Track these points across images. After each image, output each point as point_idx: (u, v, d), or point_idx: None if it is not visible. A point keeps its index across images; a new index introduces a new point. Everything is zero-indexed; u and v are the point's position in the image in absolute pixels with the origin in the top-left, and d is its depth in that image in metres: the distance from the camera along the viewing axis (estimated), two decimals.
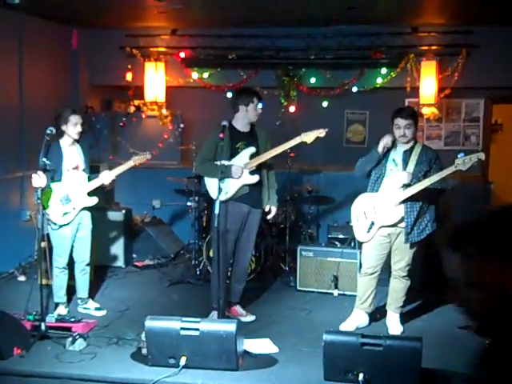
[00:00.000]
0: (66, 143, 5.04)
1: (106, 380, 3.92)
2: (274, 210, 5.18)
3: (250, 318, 5.12)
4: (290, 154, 6.60)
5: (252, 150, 4.96)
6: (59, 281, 5.14)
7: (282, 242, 6.67)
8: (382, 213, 4.68)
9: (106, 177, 5.12)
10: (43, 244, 4.93)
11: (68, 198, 5.01)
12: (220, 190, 4.61)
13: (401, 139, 4.65)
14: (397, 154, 4.72)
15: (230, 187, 4.89)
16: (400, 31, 7.26)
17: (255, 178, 4.95)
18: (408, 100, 7.63)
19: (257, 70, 7.63)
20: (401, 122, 4.61)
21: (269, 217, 5.24)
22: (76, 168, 5.08)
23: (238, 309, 5.18)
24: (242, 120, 4.98)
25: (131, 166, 5.22)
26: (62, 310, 5.11)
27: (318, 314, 5.31)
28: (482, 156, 4.36)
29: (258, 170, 4.98)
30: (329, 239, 6.83)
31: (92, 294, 5.44)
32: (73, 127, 4.97)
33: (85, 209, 5.13)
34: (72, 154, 5.09)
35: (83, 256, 5.20)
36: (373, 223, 4.73)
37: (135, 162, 5.22)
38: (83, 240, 5.17)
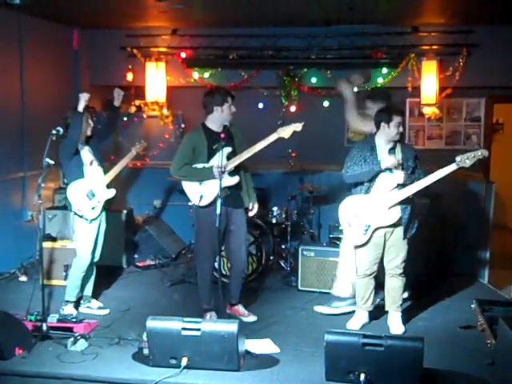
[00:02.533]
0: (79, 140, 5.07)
1: (108, 380, 3.93)
2: (255, 206, 5.13)
3: (252, 318, 5.11)
4: (292, 153, 6.59)
5: (228, 149, 4.87)
6: (77, 280, 5.16)
7: (283, 242, 6.67)
8: (378, 214, 4.63)
9: (117, 167, 5.50)
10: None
11: (92, 192, 5.14)
12: (220, 189, 4.58)
13: None
14: (383, 153, 4.66)
15: (211, 191, 4.82)
16: (401, 31, 7.24)
17: (235, 180, 4.89)
18: (409, 100, 7.63)
19: (258, 70, 7.60)
20: None
21: (250, 214, 5.14)
22: (91, 163, 5.14)
23: (239, 308, 5.18)
24: (217, 121, 4.92)
25: (133, 155, 5.78)
26: (71, 310, 5.10)
27: (319, 314, 5.30)
28: (485, 152, 4.29)
29: (236, 171, 4.92)
30: (330, 239, 6.82)
31: (94, 294, 5.44)
32: (85, 123, 5.06)
33: (104, 206, 5.26)
34: (85, 151, 5.16)
35: (97, 253, 5.29)
36: (369, 226, 4.67)
37: (136, 151, 5.77)
38: (101, 238, 5.29)
